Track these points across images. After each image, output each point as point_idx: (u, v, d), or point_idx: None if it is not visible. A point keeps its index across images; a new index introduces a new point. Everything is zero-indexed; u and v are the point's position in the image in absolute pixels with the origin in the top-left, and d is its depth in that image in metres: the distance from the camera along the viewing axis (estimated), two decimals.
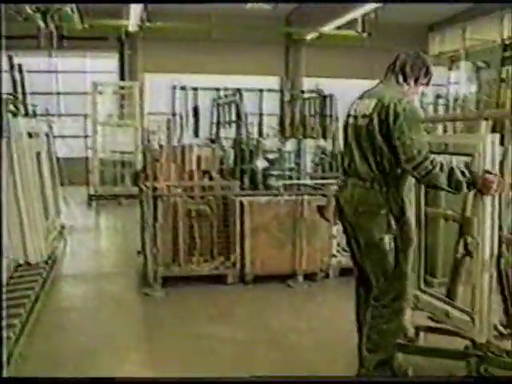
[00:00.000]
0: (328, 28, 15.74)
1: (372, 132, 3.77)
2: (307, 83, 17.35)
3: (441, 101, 13.60)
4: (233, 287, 6.64)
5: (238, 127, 10.88)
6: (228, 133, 12.96)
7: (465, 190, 3.75)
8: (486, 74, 14.26)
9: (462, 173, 3.70)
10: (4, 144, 6.06)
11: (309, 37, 17.15)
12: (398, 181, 3.83)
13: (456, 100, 13.06)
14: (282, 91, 17.41)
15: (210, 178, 7.30)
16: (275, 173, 8.70)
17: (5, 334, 3.39)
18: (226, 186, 7.07)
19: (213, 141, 11.20)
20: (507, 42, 14.02)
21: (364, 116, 3.84)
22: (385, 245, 3.86)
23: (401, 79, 3.96)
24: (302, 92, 16.29)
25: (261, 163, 8.57)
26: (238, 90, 12.22)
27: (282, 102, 17.17)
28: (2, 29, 3.60)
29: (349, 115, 4.04)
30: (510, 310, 4.27)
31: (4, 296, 4.77)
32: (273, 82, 18.05)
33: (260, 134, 13.97)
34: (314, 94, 14.86)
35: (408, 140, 3.65)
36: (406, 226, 3.90)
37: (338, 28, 15.67)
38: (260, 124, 15.63)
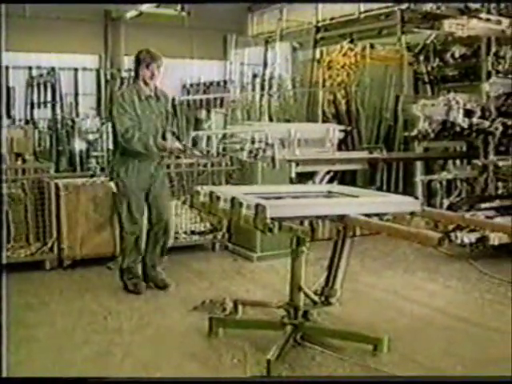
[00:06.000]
0: (147, 6, 15.52)
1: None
2: (128, 62, 17.04)
3: (258, 80, 13.94)
4: (51, 273, 6.46)
5: (54, 108, 10.52)
6: (44, 114, 12.45)
7: None
8: (301, 55, 14.79)
9: None
10: None
11: (128, 15, 16.83)
12: None
13: (271, 79, 13.44)
14: (98, 70, 16.96)
15: (24, 161, 7.02)
16: (94, 154, 8.54)
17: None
18: (40, 169, 6.82)
19: (27, 122, 10.77)
20: (320, 25, 14.67)
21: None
22: None
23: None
24: (119, 71, 16.00)
25: (79, 144, 8.38)
26: (53, 69, 11.78)
27: (99, 81, 16.74)
28: (2, 28, 3.36)
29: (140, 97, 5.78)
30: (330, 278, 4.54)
31: None
32: (92, 61, 17.53)
33: (77, 114, 13.54)
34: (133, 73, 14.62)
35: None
36: None
37: (158, 6, 15.51)
38: (76, 104, 15.16)
